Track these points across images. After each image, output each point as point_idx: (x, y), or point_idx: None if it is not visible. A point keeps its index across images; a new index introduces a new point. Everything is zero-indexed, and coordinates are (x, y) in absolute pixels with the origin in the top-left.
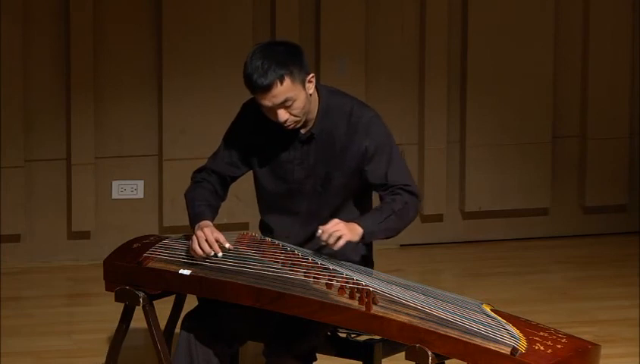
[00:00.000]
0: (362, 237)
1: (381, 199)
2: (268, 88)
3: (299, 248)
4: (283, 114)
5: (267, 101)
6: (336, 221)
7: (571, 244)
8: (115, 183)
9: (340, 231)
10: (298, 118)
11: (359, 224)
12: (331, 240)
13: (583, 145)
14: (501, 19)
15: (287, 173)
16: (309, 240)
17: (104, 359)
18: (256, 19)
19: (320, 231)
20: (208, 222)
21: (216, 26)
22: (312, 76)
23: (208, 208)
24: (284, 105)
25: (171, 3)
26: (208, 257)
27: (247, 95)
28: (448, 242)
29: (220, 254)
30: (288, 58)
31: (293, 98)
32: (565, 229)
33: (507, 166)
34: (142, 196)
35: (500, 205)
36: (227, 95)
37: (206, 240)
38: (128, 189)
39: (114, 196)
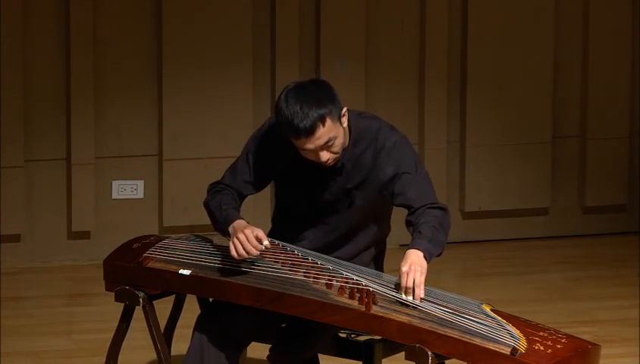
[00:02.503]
0: (425, 258)
1: (410, 223)
2: (311, 131)
3: (299, 248)
4: (324, 155)
5: (310, 145)
6: (405, 268)
7: (571, 244)
8: (115, 183)
9: (416, 274)
10: (337, 155)
11: (415, 249)
12: (417, 294)
13: (583, 145)
14: (501, 19)
15: (315, 195)
16: (327, 248)
17: (104, 359)
18: (256, 19)
19: (404, 295)
20: (242, 221)
21: (216, 26)
22: (346, 110)
23: (236, 210)
24: (327, 145)
25: (171, 3)
26: (251, 258)
27: (248, 96)
28: (448, 242)
29: (264, 248)
30: (323, 97)
31: (335, 137)
32: (565, 229)
33: (507, 166)
34: (142, 196)
35: (500, 205)
36: (228, 95)
37: (249, 242)
38: (128, 189)
39: (114, 196)
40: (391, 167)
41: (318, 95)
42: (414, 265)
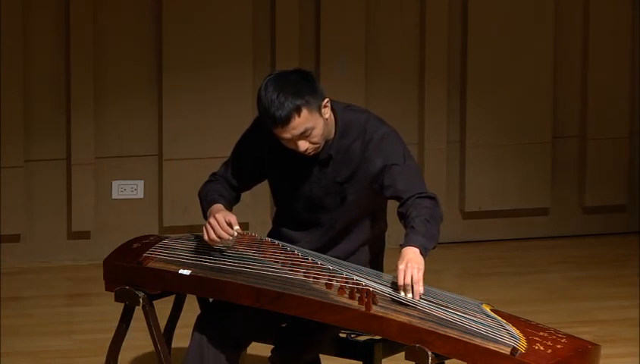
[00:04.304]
0: (421, 254)
1: (401, 215)
2: (286, 121)
3: (299, 248)
4: (303, 145)
5: (286, 134)
6: (402, 266)
7: (571, 244)
8: (115, 183)
9: (413, 270)
10: (317, 145)
11: (410, 246)
12: (417, 290)
13: (583, 145)
14: (501, 19)
15: (306, 190)
16: (325, 247)
17: (104, 359)
18: (256, 19)
19: (403, 293)
20: (219, 206)
21: (216, 26)
22: (328, 101)
23: (221, 197)
24: (304, 135)
25: (172, 3)
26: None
27: (247, 97)
28: (448, 242)
29: (236, 233)
30: (302, 87)
31: (312, 127)
32: (565, 229)
33: (507, 166)
34: (142, 196)
35: (500, 205)
36: (228, 95)
37: (219, 226)
38: (128, 189)
39: (114, 196)
40: (380, 159)
41: (297, 86)
42: (411, 263)
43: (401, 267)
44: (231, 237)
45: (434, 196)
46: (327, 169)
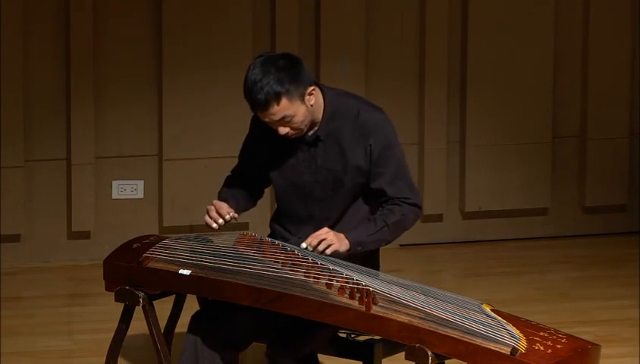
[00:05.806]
0: (349, 248)
1: (380, 208)
2: (264, 107)
3: (299, 248)
4: (282, 129)
5: (265, 118)
6: (325, 229)
7: (571, 244)
8: (115, 183)
9: (329, 240)
10: (299, 130)
11: (346, 236)
12: (321, 247)
13: (583, 145)
14: (501, 19)
15: (297, 176)
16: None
17: (104, 359)
18: (256, 19)
19: (306, 243)
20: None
21: (216, 26)
22: (313, 89)
23: (231, 196)
24: (283, 121)
25: (171, 3)
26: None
27: None
28: (448, 242)
29: (228, 217)
30: (286, 75)
31: (292, 115)
32: (565, 229)
33: (507, 166)
34: (142, 196)
35: (500, 205)
36: (227, 95)
37: (215, 210)
38: (128, 189)
39: (114, 196)
40: (372, 141)
41: (282, 72)
42: (334, 235)
43: (325, 230)
44: (228, 220)
45: (420, 206)
46: (316, 151)
